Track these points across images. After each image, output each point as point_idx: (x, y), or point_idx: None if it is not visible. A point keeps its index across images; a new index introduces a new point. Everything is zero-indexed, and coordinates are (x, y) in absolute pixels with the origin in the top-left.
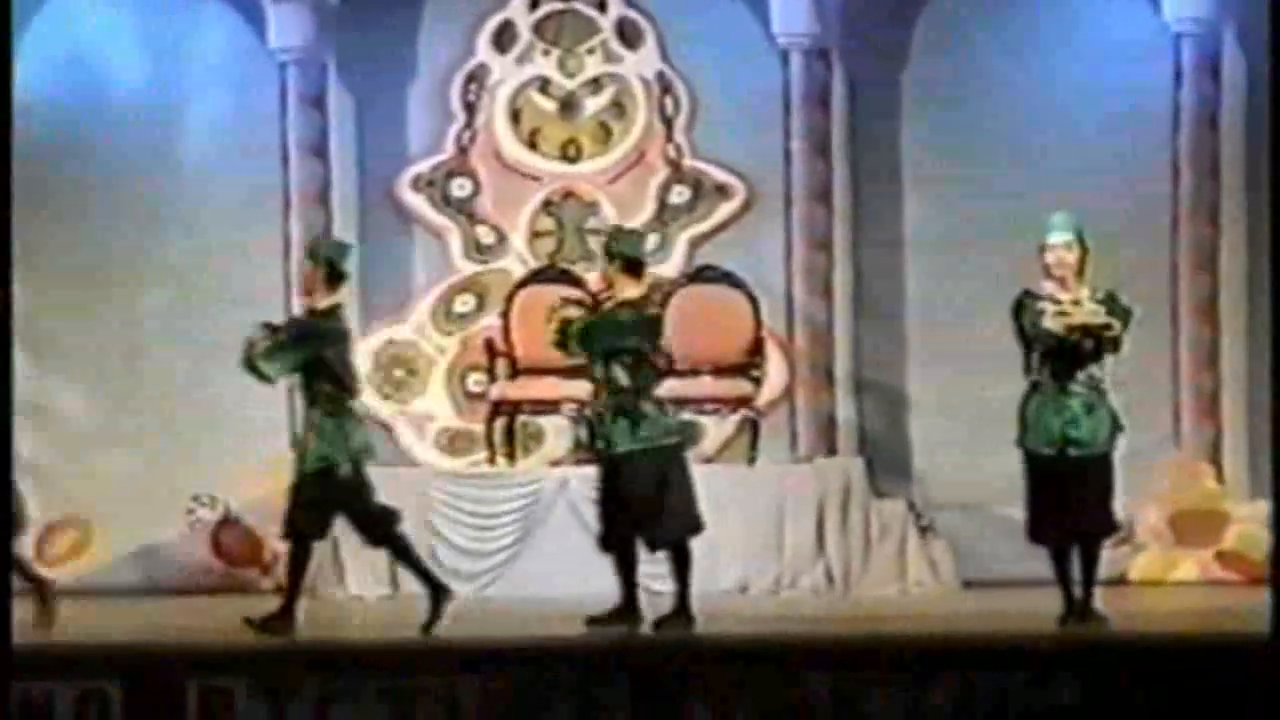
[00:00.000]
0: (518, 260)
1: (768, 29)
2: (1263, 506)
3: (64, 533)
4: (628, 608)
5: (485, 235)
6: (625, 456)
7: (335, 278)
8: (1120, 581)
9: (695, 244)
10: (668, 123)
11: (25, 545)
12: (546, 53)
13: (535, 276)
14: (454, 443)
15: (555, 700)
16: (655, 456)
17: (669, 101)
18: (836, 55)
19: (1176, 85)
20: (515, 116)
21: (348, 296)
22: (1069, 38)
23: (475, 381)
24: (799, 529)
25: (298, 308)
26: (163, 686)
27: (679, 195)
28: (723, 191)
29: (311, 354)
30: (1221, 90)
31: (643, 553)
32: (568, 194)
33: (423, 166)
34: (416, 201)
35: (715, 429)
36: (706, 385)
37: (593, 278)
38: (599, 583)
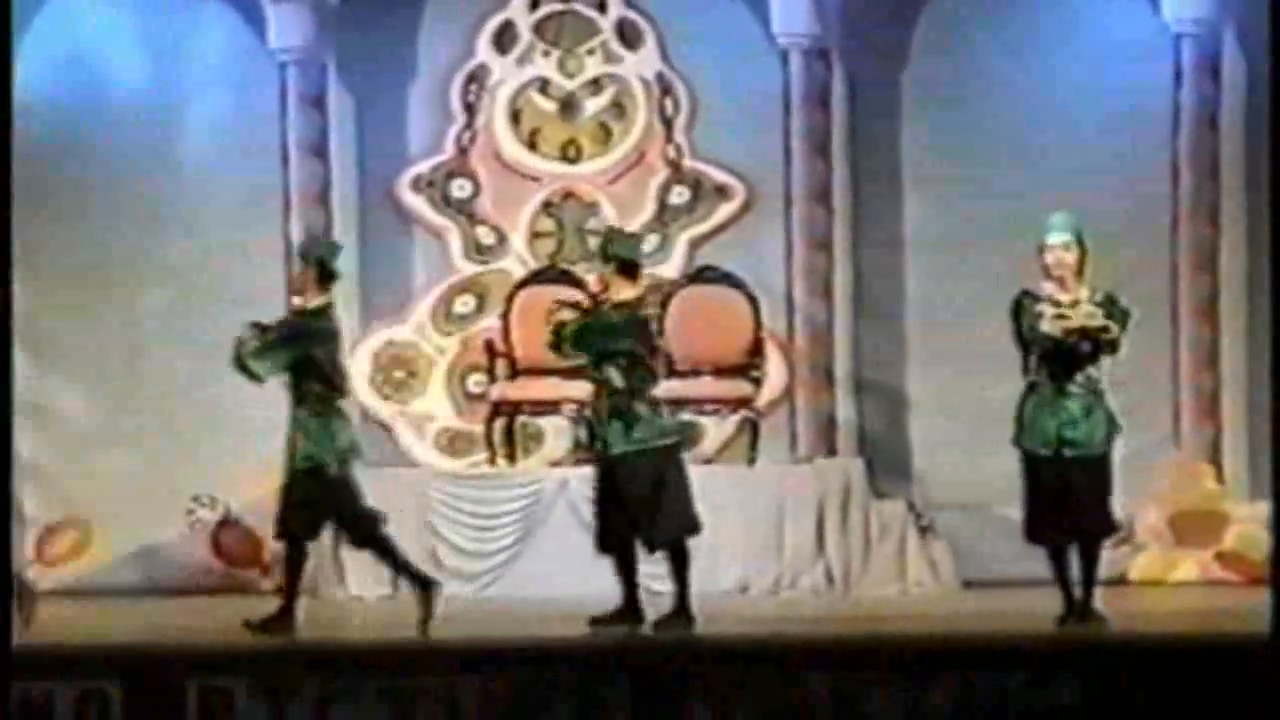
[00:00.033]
0: (518, 261)
1: (768, 29)
2: (1263, 507)
3: (64, 533)
4: (629, 609)
5: (485, 236)
6: (620, 458)
7: (326, 277)
8: (1120, 581)
9: (695, 244)
10: (668, 123)
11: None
12: (546, 53)
13: (535, 277)
14: (454, 443)
15: (555, 700)
16: (650, 458)
17: (669, 102)
18: (836, 55)
19: (1176, 85)
20: (515, 117)
21: (343, 296)
22: (1069, 38)
23: (475, 382)
24: (799, 529)
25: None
26: (163, 686)
27: (679, 196)
28: (723, 192)
29: (301, 353)
30: (1221, 90)
31: (642, 553)
32: (568, 195)
33: (423, 167)
34: (416, 202)
35: (715, 429)
36: (706, 386)
37: (593, 279)
38: (599, 583)
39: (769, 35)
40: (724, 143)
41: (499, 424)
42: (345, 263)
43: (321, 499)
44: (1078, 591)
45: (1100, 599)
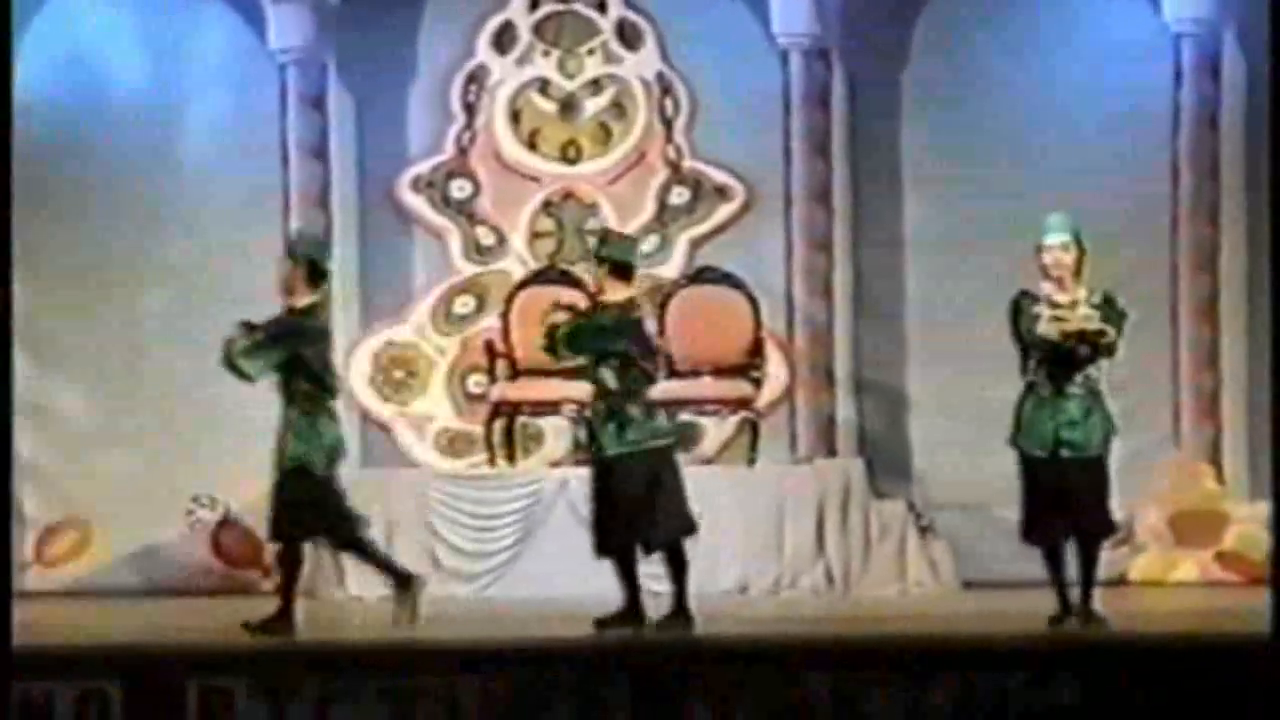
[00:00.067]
0: (518, 261)
1: (768, 29)
2: (1263, 507)
3: (64, 533)
4: (632, 610)
5: (485, 236)
6: (615, 459)
7: (316, 276)
8: (1120, 582)
9: (695, 245)
10: (667, 123)
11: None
12: (546, 54)
13: (535, 278)
14: (454, 444)
15: (555, 700)
16: (644, 459)
17: (669, 102)
18: (836, 55)
19: (1176, 85)
20: (515, 117)
21: (343, 297)
22: (1069, 38)
23: (475, 382)
24: (799, 529)
25: None
26: (163, 686)
27: (679, 196)
28: (722, 192)
29: (290, 352)
30: (1221, 90)
31: (641, 554)
32: (567, 195)
33: (423, 167)
34: (416, 202)
35: (715, 430)
36: (706, 386)
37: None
38: (599, 583)
39: (769, 35)
40: (724, 143)
41: (499, 424)
42: (345, 263)
43: (308, 499)
44: (1073, 593)
45: (1100, 599)
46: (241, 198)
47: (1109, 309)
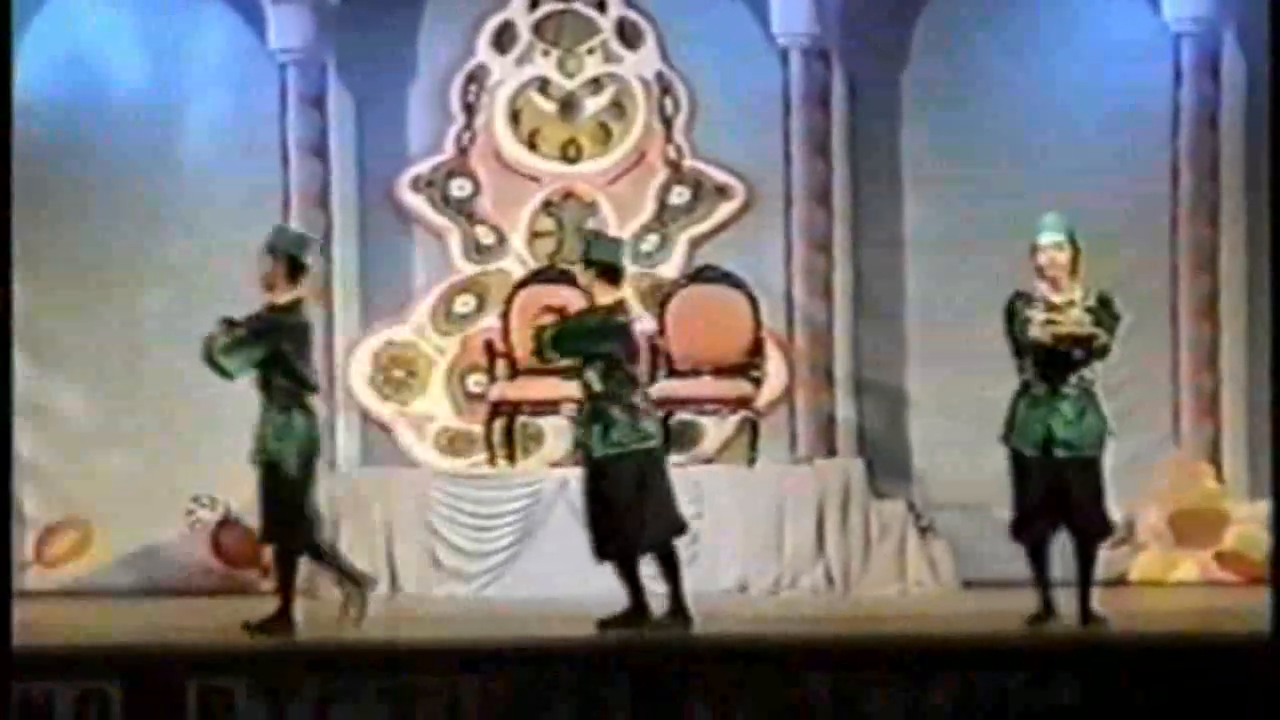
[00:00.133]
0: (517, 261)
1: (768, 29)
2: (1263, 506)
3: (64, 533)
4: (636, 610)
5: (485, 236)
6: (603, 461)
7: (296, 271)
8: (1120, 581)
9: (695, 244)
10: (667, 123)
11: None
12: (546, 53)
13: (535, 277)
14: (454, 443)
15: (555, 700)
16: (630, 461)
17: (669, 102)
18: (836, 55)
19: (1176, 85)
20: (515, 117)
21: (343, 296)
22: (1069, 38)
23: (475, 382)
24: (799, 529)
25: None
26: (163, 686)
27: (679, 196)
28: (722, 192)
29: (271, 348)
30: (1221, 90)
31: None
32: (567, 194)
33: (422, 167)
34: (416, 202)
35: (715, 429)
36: (706, 385)
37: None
38: (599, 583)
39: (769, 35)
40: (724, 143)
41: (499, 424)
42: (345, 263)
43: (279, 498)
44: (1065, 593)
45: (1100, 599)
46: (241, 198)
47: (1103, 311)
